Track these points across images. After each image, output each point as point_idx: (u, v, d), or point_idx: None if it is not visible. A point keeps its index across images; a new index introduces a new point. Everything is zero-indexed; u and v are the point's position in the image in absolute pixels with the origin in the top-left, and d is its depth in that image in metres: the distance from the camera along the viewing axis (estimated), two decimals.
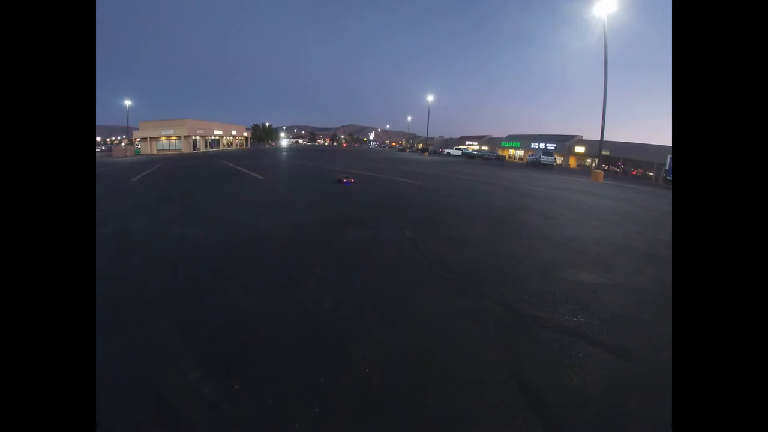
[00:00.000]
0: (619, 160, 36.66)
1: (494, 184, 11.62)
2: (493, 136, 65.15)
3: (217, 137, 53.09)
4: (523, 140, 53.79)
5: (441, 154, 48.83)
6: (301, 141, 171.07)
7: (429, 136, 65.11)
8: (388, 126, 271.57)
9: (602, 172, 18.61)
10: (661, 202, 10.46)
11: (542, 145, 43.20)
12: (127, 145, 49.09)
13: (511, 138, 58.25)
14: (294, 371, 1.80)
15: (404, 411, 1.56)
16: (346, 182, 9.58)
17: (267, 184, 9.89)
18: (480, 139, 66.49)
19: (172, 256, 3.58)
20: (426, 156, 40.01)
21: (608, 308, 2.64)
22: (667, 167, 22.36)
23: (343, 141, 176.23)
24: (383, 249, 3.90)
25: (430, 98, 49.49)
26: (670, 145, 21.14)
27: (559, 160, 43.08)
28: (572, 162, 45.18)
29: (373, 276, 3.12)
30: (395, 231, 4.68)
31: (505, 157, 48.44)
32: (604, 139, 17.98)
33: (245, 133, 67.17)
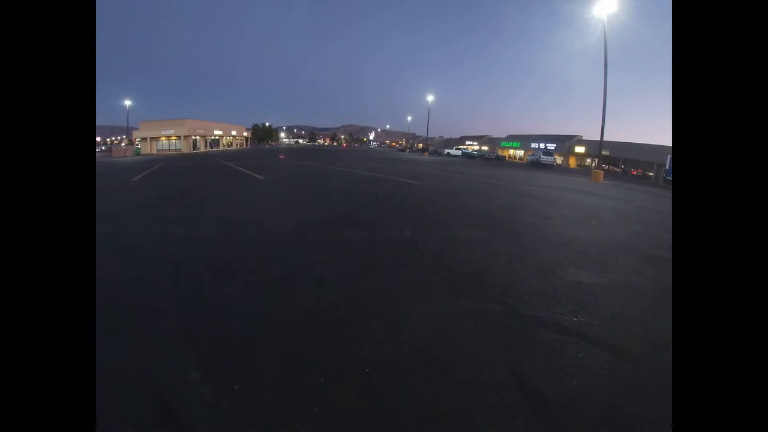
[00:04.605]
0: (619, 160, 36.66)
1: (494, 184, 11.62)
2: (493, 136, 65.19)
3: (217, 137, 53.10)
4: (523, 140, 53.82)
5: (441, 154, 48.87)
6: (301, 141, 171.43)
7: (429, 136, 65.13)
8: (388, 126, 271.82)
9: (602, 172, 18.61)
10: (661, 202, 10.46)
11: (542, 145, 43.22)
12: (127, 145, 49.12)
13: (511, 138, 58.27)
14: (294, 371, 1.80)
15: (405, 411, 1.56)
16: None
17: (268, 185, 9.88)
18: (480, 139, 66.53)
19: (172, 255, 3.57)
20: (426, 156, 40.02)
21: (608, 308, 2.64)
22: (667, 167, 22.38)
23: (343, 141, 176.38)
24: (384, 249, 3.90)
25: (430, 98, 49.52)
26: (670, 145, 21.16)
27: (559, 160, 43.08)
28: (572, 162, 45.18)
29: (373, 275, 3.12)
30: (396, 231, 4.68)
31: (505, 157, 48.45)
32: (605, 139, 17.98)
33: (245, 133, 67.19)
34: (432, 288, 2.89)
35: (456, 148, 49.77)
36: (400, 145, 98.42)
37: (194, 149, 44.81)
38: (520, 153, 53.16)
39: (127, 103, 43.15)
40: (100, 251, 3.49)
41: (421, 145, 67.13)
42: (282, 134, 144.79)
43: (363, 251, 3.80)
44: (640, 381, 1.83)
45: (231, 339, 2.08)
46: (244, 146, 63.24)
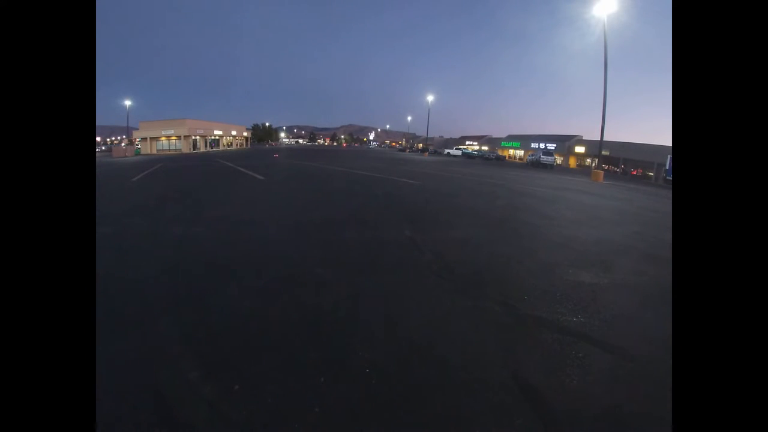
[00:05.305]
0: (619, 160, 36.66)
1: (494, 184, 11.62)
2: (493, 136, 65.24)
3: (217, 137, 53.11)
4: (523, 140, 53.83)
5: (441, 154, 48.90)
6: (301, 141, 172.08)
7: (429, 135, 65.14)
8: (388, 126, 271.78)
9: (602, 172, 18.62)
10: (661, 202, 10.46)
11: (542, 145, 43.22)
12: (127, 145, 49.16)
13: (512, 138, 58.29)
14: (294, 371, 1.80)
15: (405, 411, 1.56)
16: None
17: (268, 184, 9.88)
18: (480, 139, 66.57)
19: (172, 255, 3.57)
20: (426, 156, 40.03)
21: (608, 308, 2.64)
22: (667, 167, 22.38)
23: (343, 141, 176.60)
24: (384, 249, 3.90)
25: (430, 98, 49.50)
26: (670, 145, 21.15)
27: (559, 160, 43.09)
28: (572, 162, 45.18)
29: (373, 275, 3.12)
30: (396, 231, 4.68)
31: (505, 157, 48.46)
32: (605, 139, 17.98)
33: (245, 133, 67.23)
34: (432, 287, 2.89)
35: (456, 148, 49.78)
36: (400, 145, 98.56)
37: (194, 149, 44.81)
38: (520, 153, 53.16)
39: (127, 103, 43.15)
40: (101, 252, 3.49)
41: (421, 145, 67.18)
42: (282, 134, 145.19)
43: (363, 251, 3.80)
44: (640, 381, 1.82)
45: (231, 338, 2.08)
46: (244, 146, 63.27)
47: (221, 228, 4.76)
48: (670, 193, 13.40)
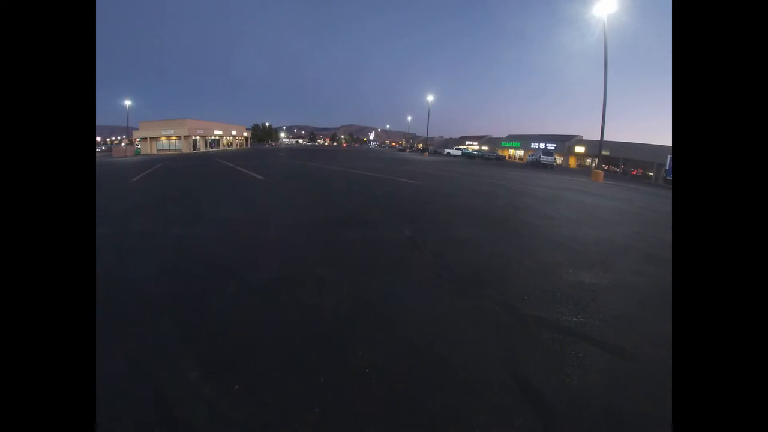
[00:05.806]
0: (619, 160, 36.66)
1: (494, 184, 11.62)
2: (493, 136, 65.26)
3: (217, 137, 53.11)
4: (523, 140, 53.84)
5: (441, 154, 48.92)
6: (301, 141, 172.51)
7: (429, 135, 65.15)
8: (388, 126, 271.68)
9: (602, 172, 18.61)
10: (661, 202, 10.46)
11: (542, 145, 43.24)
12: (127, 145, 49.18)
13: (511, 138, 58.31)
14: (294, 371, 1.80)
15: (404, 411, 1.56)
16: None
17: (268, 184, 9.87)
18: (480, 139, 66.59)
19: (172, 255, 3.57)
20: (426, 156, 40.03)
21: (608, 308, 2.64)
22: (667, 167, 22.40)
23: (343, 141, 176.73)
24: (384, 248, 3.90)
25: (430, 98, 49.50)
26: (670, 145, 21.14)
27: (559, 160, 43.09)
28: (572, 162, 45.18)
29: (373, 275, 3.12)
30: (396, 231, 4.68)
31: (505, 157, 48.47)
32: (605, 139, 17.98)
33: (245, 133, 67.24)
34: (432, 287, 2.89)
35: (456, 148, 49.77)
36: (400, 145, 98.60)
37: (194, 149, 44.81)
38: (520, 153, 53.17)
39: (127, 103, 43.16)
40: (101, 252, 3.49)
41: (421, 145, 67.20)
42: (282, 134, 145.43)
43: (363, 251, 3.80)
44: (640, 381, 1.82)
45: (231, 338, 2.08)
46: (244, 146, 63.29)
47: (221, 228, 4.76)
48: (670, 193, 13.40)
